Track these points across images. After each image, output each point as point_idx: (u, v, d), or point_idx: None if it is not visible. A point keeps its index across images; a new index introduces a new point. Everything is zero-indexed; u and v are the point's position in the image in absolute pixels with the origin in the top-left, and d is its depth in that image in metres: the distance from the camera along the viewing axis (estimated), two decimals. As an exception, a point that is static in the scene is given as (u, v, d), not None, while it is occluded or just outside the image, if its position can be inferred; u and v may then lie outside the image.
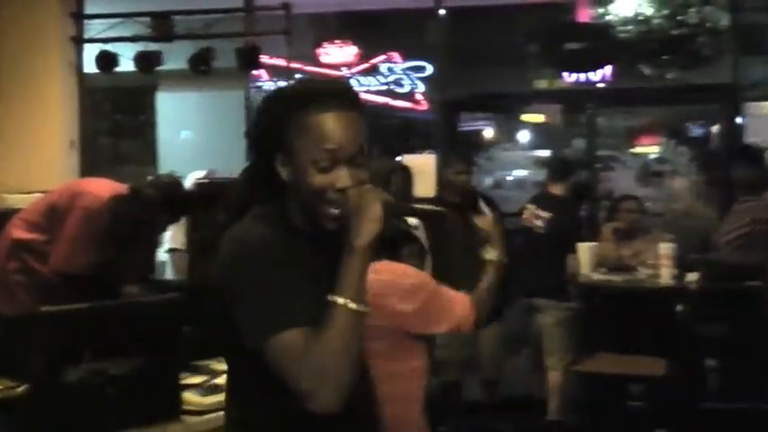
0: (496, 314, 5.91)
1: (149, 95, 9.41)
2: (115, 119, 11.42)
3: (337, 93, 1.95)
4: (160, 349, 3.22)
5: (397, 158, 8.98)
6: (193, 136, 11.44)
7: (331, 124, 1.90)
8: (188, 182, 7.29)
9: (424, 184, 6.25)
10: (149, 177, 5.32)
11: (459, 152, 7.01)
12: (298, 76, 10.36)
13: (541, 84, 11.08)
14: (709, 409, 5.99)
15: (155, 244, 5.73)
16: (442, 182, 6.42)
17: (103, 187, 4.86)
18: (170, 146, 10.38)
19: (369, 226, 1.85)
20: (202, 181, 7.56)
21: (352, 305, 1.80)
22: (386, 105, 10.75)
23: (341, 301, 1.80)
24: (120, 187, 4.90)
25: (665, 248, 6.25)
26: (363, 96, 1.97)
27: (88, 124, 8.71)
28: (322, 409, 1.78)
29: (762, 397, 5.73)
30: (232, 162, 9.31)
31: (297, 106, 1.93)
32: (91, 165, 8.48)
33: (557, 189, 6.90)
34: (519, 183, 9.53)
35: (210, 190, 7.10)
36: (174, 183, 5.13)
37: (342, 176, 1.89)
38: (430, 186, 6.58)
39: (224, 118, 10.75)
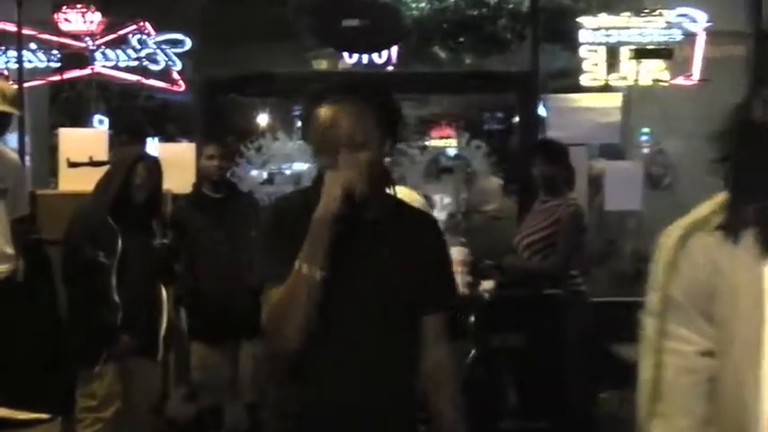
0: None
1: None
2: None
3: (336, 87, 2.70)
4: None
5: (149, 147, 8.93)
6: None
7: (324, 113, 2.64)
8: None
9: (180, 176, 6.42)
10: None
11: (214, 135, 6.99)
12: (32, 45, 10.07)
13: (321, 64, 11.15)
14: (508, 430, 6.23)
15: None
16: (197, 172, 6.46)
17: None
18: None
19: (327, 203, 2.56)
20: None
21: (304, 269, 2.56)
22: (138, 84, 10.52)
23: (296, 264, 2.57)
24: None
25: (458, 253, 6.44)
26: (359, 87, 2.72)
27: None
28: (281, 347, 2.67)
29: (561, 413, 6.02)
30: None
31: (309, 104, 2.70)
32: None
33: None
34: (296, 178, 9.57)
35: None
36: None
37: (339, 158, 2.59)
38: (188, 179, 6.60)
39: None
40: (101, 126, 10.68)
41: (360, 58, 10.16)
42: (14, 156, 6.49)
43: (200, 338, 6.09)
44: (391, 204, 2.83)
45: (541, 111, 9.64)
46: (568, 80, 9.91)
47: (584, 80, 9.64)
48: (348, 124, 2.61)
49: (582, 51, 9.65)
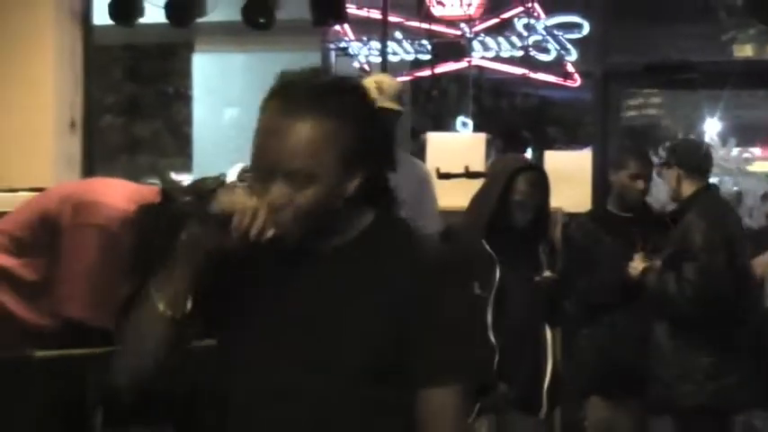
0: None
1: (182, 58, 9.33)
2: (132, 90, 11.43)
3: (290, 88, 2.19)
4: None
5: (527, 155, 9.05)
6: (242, 115, 10.87)
7: (267, 118, 2.19)
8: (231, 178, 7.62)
9: (573, 192, 6.52)
10: (182, 180, 5.13)
11: (634, 148, 6.70)
12: (397, 34, 10.39)
13: (744, 51, 10.88)
14: None
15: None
16: (610, 190, 6.20)
17: (120, 193, 4.47)
18: (209, 129, 10.26)
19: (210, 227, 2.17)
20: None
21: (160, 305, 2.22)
22: (523, 78, 10.13)
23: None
24: (142, 191, 4.53)
25: None
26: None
27: (95, 97, 8.75)
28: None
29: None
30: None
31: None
32: (97, 153, 8.75)
33: None
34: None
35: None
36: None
37: (271, 190, 2.17)
38: (583, 196, 6.58)
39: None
40: (464, 129, 10.27)
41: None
42: (417, 164, 6.35)
43: (599, 392, 5.97)
44: (373, 226, 2.29)
45: None
46: None
47: None
48: (295, 143, 2.13)
49: None
